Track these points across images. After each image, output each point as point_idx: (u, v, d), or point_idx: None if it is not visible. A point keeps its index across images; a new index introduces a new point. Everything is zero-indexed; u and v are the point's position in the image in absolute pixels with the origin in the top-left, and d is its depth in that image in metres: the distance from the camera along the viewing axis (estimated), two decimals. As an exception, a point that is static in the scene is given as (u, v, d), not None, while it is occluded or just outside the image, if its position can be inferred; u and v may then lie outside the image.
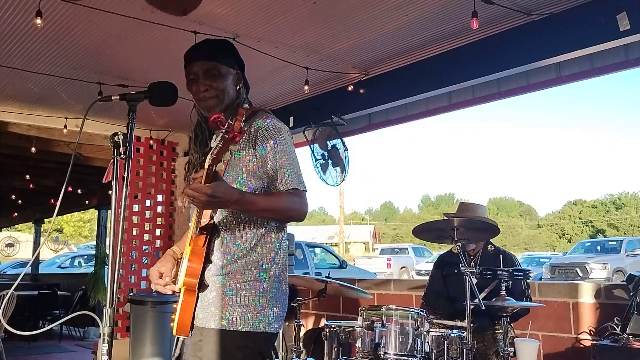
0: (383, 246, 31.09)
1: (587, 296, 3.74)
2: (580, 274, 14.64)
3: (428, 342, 2.85)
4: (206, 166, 1.57)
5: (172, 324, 1.87)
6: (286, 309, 1.88)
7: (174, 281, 1.89)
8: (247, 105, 1.95)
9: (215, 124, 1.48)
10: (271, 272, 1.82)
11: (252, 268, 1.80)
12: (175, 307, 1.88)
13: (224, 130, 1.50)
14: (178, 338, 1.93)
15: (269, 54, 3.88)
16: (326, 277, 3.63)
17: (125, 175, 1.57)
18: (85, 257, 17.76)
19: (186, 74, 1.91)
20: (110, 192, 1.59)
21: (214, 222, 1.85)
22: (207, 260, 1.82)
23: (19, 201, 11.53)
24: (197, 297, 1.82)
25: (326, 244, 21.15)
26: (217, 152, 1.55)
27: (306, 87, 4.21)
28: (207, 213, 1.83)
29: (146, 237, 6.15)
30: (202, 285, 1.81)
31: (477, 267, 3.07)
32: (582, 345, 3.67)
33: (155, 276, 1.88)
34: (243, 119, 1.58)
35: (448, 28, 3.56)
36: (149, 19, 3.39)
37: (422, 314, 2.87)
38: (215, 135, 1.92)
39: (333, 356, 3.20)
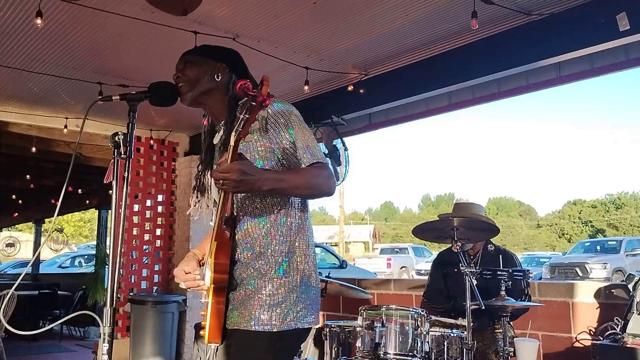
0: (383, 246, 31.06)
1: (586, 296, 3.74)
2: (580, 274, 14.64)
3: (428, 342, 2.86)
4: (232, 143, 1.49)
5: (202, 332, 1.72)
6: (319, 302, 1.79)
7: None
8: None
9: (241, 90, 1.42)
10: (299, 266, 1.74)
11: (278, 262, 1.71)
12: (203, 314, 1.74)
13: (252, 96, 1.41)
14: (209, 346, 1.81)
15: (269, 54, 3.89)
16: (326, 276, 3.63)
17: (126, 175, 1.57)
18: (86, 257, 17.74)
19: None
20: (110, 192, 1.59)
21: (234, 215, 1.76)
22: (233, 257, 1.73)
23: (20, 201, 11.53)
24: (227, 297, 1.72)
25: (326, 243, 21.15)
26: (244, 125, 1.46)
27: (306, 87, 4.22)
28: (228, 207, 1.72)
29: (146, 237, 6.16)
30: (232, 284, 1.73)
31: (477, 267, 3.07)
32: (581, 345, 3.67)
33: (182, 275, 1.80)
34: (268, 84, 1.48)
35: (448, 28, 3.56)
36: (149, 19, 3.40)
37: (422, 313, 2.87)
38: (217, 134, 1.87)
39: (333, 356, 3.20)
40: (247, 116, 1.46)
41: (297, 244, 1.75)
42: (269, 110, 1.73)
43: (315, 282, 1.79)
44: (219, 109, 1.87)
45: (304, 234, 1.78)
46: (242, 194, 1.73)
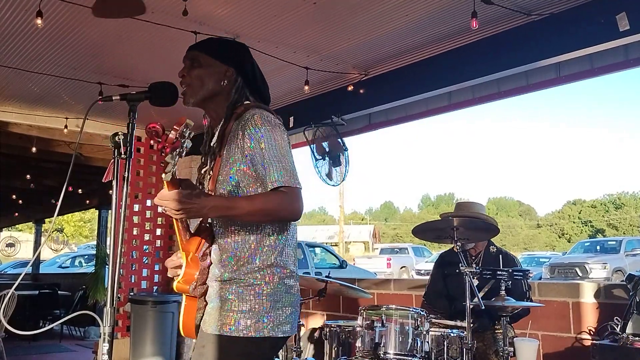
0: (383, 246, 31.07)
1: (586, 296, 3.74)
2: (580, 274, 14.64)
3: (428, 342, 2.86)
4: (162, 176, 1.51)
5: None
6: (297, 311, 1.79)
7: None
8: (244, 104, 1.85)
9: (149, 134, 1.44)
10: (275, 275, 1.72)
11: (254, 272, 1.71)
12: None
13: (156, 142, 1.44)
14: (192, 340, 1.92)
15: (269, 54, 3.89)
16: (326, 276, 3.63)
17: (126, 175, 1.57)
18: (86, 256, 17.76)
19: None
20: (110, 192, 1.59)
21: (208, 225, 1.81)
22: (208, 265, 1.79)
23: (20, 201, 11.54)
24: (201, 300, 1.79)
25: (326, 243, 21.14)
26: (165, 166, 1.49)
27: (306, 87, 4.22)
28: (183, 227, 1.77)
29: (147, 237, 6.16)
30: (200, 291, 1.77)
31: (478, 268, 3.07)
32: (581, 345, 3.67)
33: (172, 262, 1.84)
34: (181, 129, 1.49)
35: (448, 28, 3.56)
36: (149, 19, 3.40)
37: (421, 313, 2.87)
38: (209, 138, 1.89)
39: (333, 356, 3.20)
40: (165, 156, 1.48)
41: (276, 256, 1.73)
42: (253, 120, 1.71)
43: (294, 292, 1.77)
44: (218, 114, 1.86)
45: (285, 245, 1.76)
46: None
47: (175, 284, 1.76)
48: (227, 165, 1.75)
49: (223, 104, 1.84)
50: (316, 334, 3.89)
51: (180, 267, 1.78)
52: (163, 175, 1.51)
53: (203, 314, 1.78)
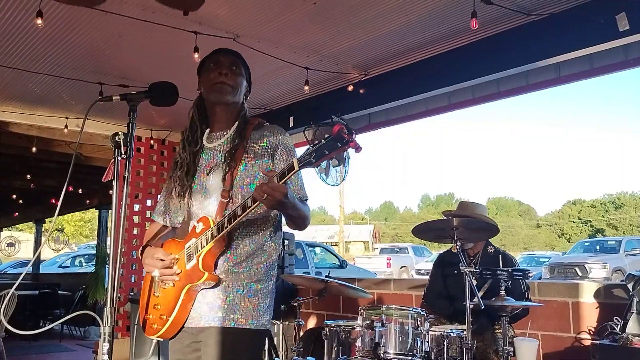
0: (383, 246, 31.07)
1: (586, 296, 3.75)
2: (580, 274, 14.65)
3: (428, 342, 2.86)
4: (297, 168, 1.60)
5: (155, 325, 1.85)
6: None
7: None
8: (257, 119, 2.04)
9: (340, 134, 1.48)
10: (275, 274, 1.94)
11: (260, 269, 1.87)
12: (159, 307, 1.87)
13: (346, 140, 1.50)
14: (152, 341, 1.94)
15: (269, 54, 3.89)
16: (326, 276, 3.63)
17: (126, 175, 1.58)
18: (86, 256, 17.77)
19: (207, 62, 1.99)
20: (110, 191, 1.59)
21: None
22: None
23: (20, 201, 11.53)
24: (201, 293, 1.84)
25: (326, 243, 21.14)
26: (317, 158, 1.55)
27: (306, 87, 4.22)
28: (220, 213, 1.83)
29: (146, 236, 6.16)
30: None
31: (477, 268, 3.07)
32: (581, 345, 3.67)
33: (160, 264, 1.84)
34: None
35: (448, 28, 3.56)
36: (149, 19, 3.40)
37: (421, 313, 2.87)
38: (223, 140, 1.95)
39: (333, 355, 3.20)
40: (326, 152, 1.54)
41: (276, 257, 1.95)
42: (285, 140, 1.94)
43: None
44: (226, 119, 1.99)
45: (280, 247, 1.98)
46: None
47: (205, 275, 1.76)
48: (253, 172, 1.89)
49: (235, 112, 2.00)
50: (316, 334, 3.89)
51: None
52: (297, 163, 1.59)
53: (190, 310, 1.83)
